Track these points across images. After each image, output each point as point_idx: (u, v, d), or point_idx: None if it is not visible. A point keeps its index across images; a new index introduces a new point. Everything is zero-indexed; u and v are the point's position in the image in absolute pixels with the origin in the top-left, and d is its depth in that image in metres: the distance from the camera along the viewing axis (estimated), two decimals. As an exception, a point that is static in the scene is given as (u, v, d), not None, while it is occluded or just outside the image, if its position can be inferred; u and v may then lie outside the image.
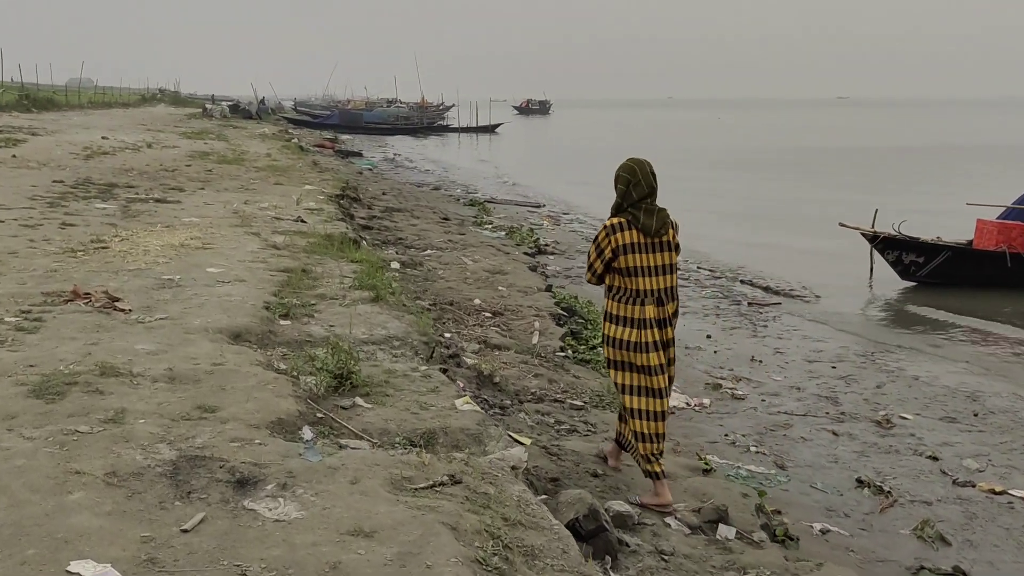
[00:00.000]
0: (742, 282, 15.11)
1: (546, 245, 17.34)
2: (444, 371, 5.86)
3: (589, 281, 5.18)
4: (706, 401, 8.66)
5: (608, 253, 4.97)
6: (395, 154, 45.56)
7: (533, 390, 6.79)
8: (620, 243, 4.92)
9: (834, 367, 10.16)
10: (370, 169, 32.96)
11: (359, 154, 41.41)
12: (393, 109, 78.25)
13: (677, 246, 5.10)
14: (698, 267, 16.27)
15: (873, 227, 15.04)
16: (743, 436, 7.84)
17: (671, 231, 5.04)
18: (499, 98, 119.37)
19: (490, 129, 73.87)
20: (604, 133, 78.50)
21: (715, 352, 10.67)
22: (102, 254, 8.17)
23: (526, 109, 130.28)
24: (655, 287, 4.99)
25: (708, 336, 11.42)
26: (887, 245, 14.50)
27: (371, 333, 6.24)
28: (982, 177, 33.81)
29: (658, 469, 5.13)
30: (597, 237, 5.06)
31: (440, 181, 31.48)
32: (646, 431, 5.08)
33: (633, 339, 4.99)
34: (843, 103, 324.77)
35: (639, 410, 5.09)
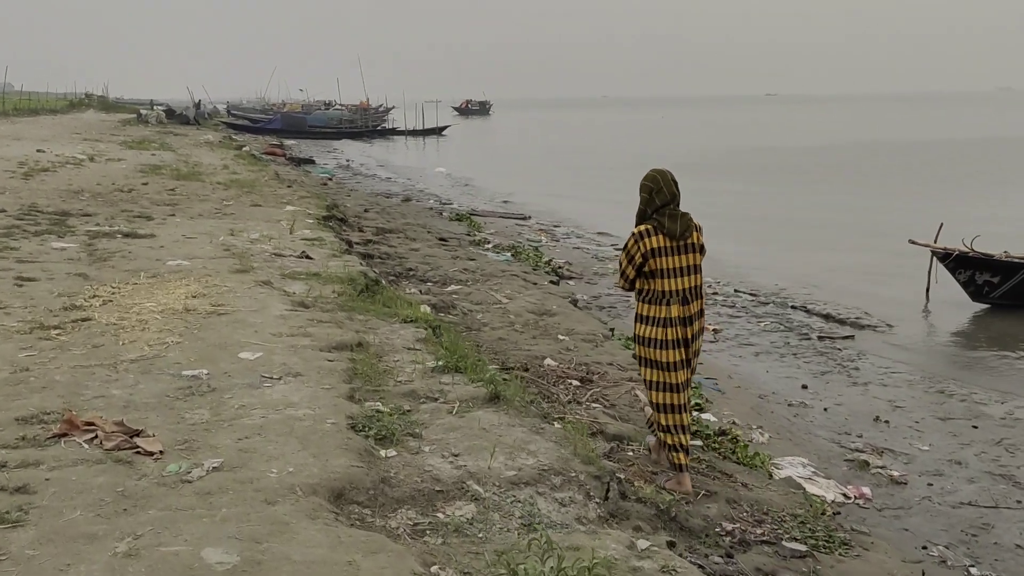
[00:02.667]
0: (793, 307, 13.37)
1: (560, 267, 15.43)
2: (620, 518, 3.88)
3: (621, 287, 5.52)
4: (866, 490, 6.82)
5: (639, 259, 5.27)
6: (348, 160, 43.20)
7: (721, 522, 4.85)
8: (648, 247, 5.23)
9: (975, 427, 8.45)
10: (329, 178, 30.66)
11: (311, 161, 39.03)
12: (335, 112, 75.52)
13: (702, 247, 5.41)
14: (736, 291, 14.51)
15: (936, 241, 13.41)
16: (945, 547, 6.03)
17: (695, 233, 5.35)
18: (433, 99, 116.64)
19: (437, 132, 71.71)
20: (554, 135, 76.85)
21: (825, 410, 8.89)
22: (84, 330, 5.99)
23: (466, 110, 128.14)
24: (680, 287, 5.31)
25: (804, 386, 9.63)
26: (959, 264, 12.87)
27: (514, 464, 4.25)
28: (982, 177, 32.78)
29: (682, 461, 5.35)
30: (627, 245, 5.35)
31: (407, 191, 29.33)
32: (670, 423, 5.38)
33: (658, 336, 5.29)
34: (772, 100, 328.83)
35: (663, 404, 5.39)
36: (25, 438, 4.05)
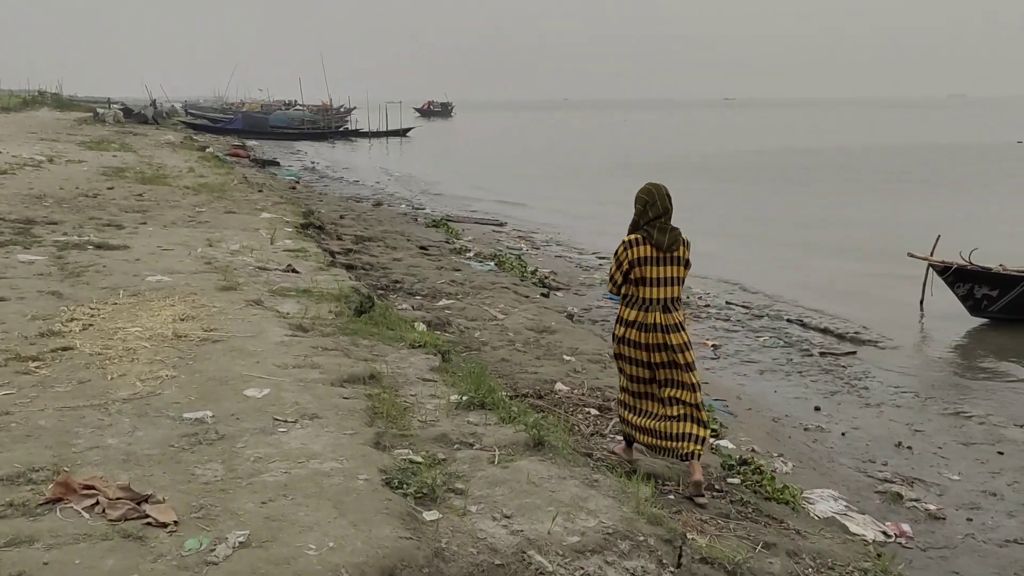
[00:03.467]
0: (789, 321, 13.01)
1: (546, 277, 14.96)
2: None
3: (610, 291, 5.76)
4: (907, 528, 6.42)
5: (626, 265, 5.52)
6: (313, 162, 42.36)
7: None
8: (636, 256, 5.49)
9: (1001, 452, 8.11)
10: (296, 181, 29.92)
11: (276, 163, 38.20)
12: (296, 112, 74.42)
13: (687, 262, 5.63)
14: (727, 303, 14.13)
15: (932, 253, 13.13)
16: (1004, 595, 5.64)
17: (682, 248, 5.57)
18: (395, 100, 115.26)
19: (401, 133, 70.92)
20: (519, 138, 76.51)
21: (843, 435, 8.51)
22: (66, 361, 5.37)
23: (428, 111, 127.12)
24: (662, 296, 5.52)
25: (817, 408, 9.26)
26: (958, 278, 12.59)
27: (575, 527, 3.74)
28: (953, 182, 32.82)
29: (627, 432, 5.82)
30: (617, 252, 5.59)
31: (377, 194, 28.68)
32: (628, 417, 5.79)
33: (641, 340, 5.54)
34: (730, 104, 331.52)
35: (631, 394, 5.75)
36: (13, 504, 3.45)
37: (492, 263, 15.50)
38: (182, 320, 6.48)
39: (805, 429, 8.64)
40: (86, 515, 3.37)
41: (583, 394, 7.48)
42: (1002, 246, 14.64)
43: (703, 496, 5.40)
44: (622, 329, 5.63)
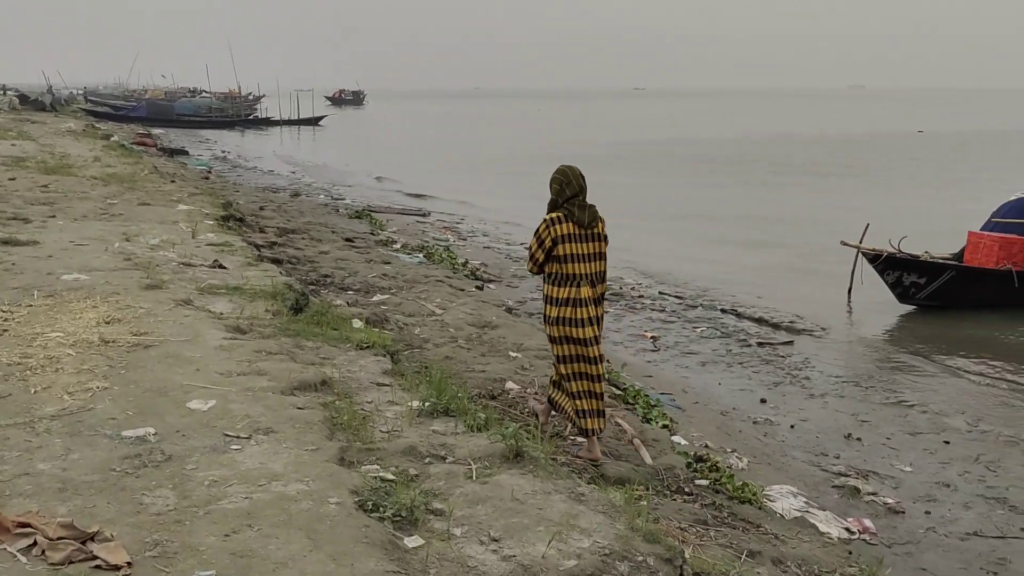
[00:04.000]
0: (723, 311, 12.96)
1: (477, 269, 14.64)
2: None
3: (531, 271, 5.90)
4: (869, 523, 6.31)
5: (548, 243, 5.68)
6: (224, 152, 41.11)
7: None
8: (559, 234, 5.65)
9: (947, 442, 8.12)
10: (208, 171, 28.92)
11: (184, 152, 36.89)
12: (203, 100, 72.28)
13: (605, 237, 5.85)
14: (660, 292, 14.03)
15: (861, 241, 13.26)
16: (971, 591, 5.56)
17: (600, 224, 5.81)
18: (307, 88, 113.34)
19: (314, 122, 69.57)
20: (434, 126, 75.83)
21: (792, 427, 8.42)
22: (-20, 371, 4.84)
23: (339, 100, 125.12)
24: (588, 271, 5.73)
25: (763, 400, 9.17)
26: (888, 265, 12.71)
27: (569, 548, 3.44)
28: (864, 171, 33.49)
29: (591, 426, 5.81)
30: (538, 230, 5.74)
31: (293, 184, 27.92)
32: (582, 390, 5.83)
33: (572, 316, 5.70)
34: (640, 94, 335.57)
35: (576, 374, 5.82)
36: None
37: (421, 255, 15.11)
38: (107, 323, 5.96)
39: (754, 422, 8.52)
40: (23, 559, 2.92)
41: (535, 393, 7.19)
42: (922, 233, 14.82)
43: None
44: (555, 309, 5.75)
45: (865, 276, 13.33)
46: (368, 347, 6.17)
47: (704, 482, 5.84)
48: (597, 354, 5.81)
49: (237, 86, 74.30)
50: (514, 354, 8.50)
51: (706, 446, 7.34)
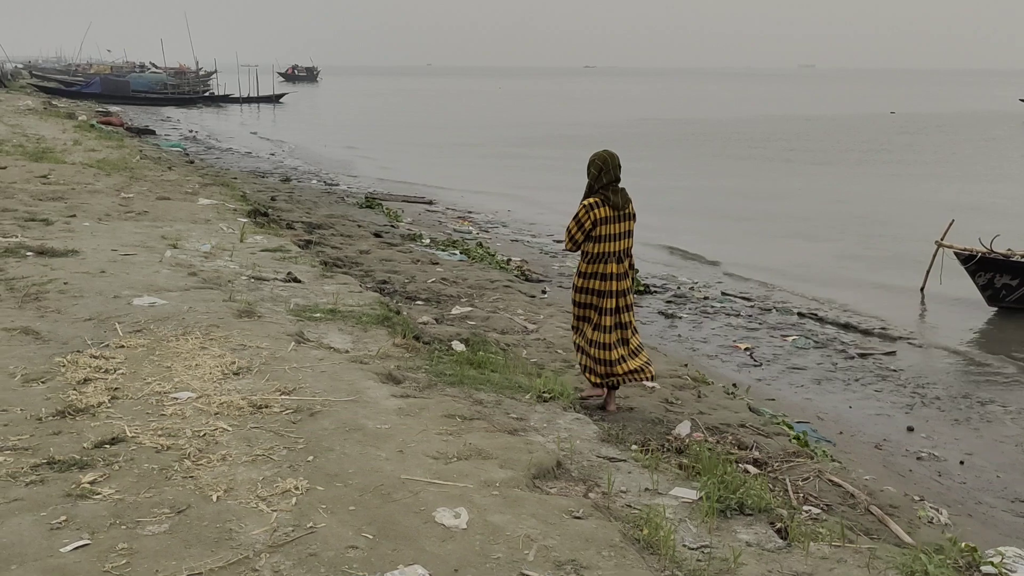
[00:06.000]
0: (801, 315, 11.96)
1: (519, 267, 13.47)
2: None
3: (568, 249, 6.40)
4: None
5: (588, 225, 6.19)
6: (191, 131, 39.15)
7: None
8: (597, 217, 6.17)
9: None
10: (185, 153, 27.30)
11: (152, 132, 35.00)
12: (157, 76, 69.66)
13: (634, 215, 6.38)
14: (724, 293, 12.98)
15: (944, 237, 12.38)
16: None
17: (630, 204, 6.34)
18: (252, 64, 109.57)
19: (275, 99, 67.44)
20: (398, 104, 74.01)
21: (961, 463, 7.42)
22: (126, 466, 3.59)
23: (293, 76, 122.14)
24: (617, 248, 6.28)
25: (910, 428, 8.13)
26: (981, 266, 11.81)
27: None
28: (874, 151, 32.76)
29: (595, 380, 6.38)
30: (578, 214, 6.21)
31: (278, 168, 26.46)
32: (592, 353, 6.34)
33: (600, 288, 6.30)
34: (591, 72, 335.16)
35: (596, 341, 6.32)
36: None
37: (457, 251, 13.90)
38: (236, 374, 4.73)
39: (918, 458, 7.50)
40: None
41: (719, 441, 6.07)
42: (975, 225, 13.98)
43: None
44: (581, 280, 6.37)
45: (944, 275, 12.45)
46: (550, 397, 4.99)
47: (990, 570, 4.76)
48: (609, 323, 6.30)
49: (195, 61, 71.70)
50: (649, 384, 7.37)
51: (907, 495, 6.28)
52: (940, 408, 8.77)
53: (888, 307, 12.43)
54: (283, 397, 4.42)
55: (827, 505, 5.08)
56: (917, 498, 6.55)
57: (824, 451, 7.02)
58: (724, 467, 4.10)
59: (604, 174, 6.20)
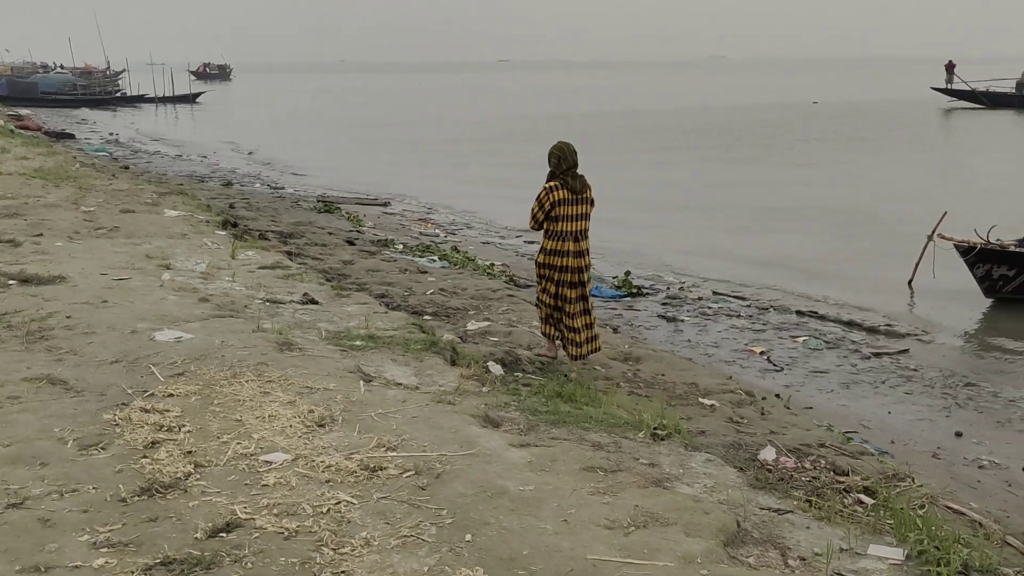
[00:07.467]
0: (800, 314, 11.67)
1: (503, 273, 12.90)
2: None
3: (532, 228, 7.30)
4: None
5: (547, 206, 7.01)
6: (112, 134, 37.41)
7: None
8: (556, 199, 6.98)
9: None
10: (112, 157, 25.98)
11: (71, 136, 33.32)
12: (64, 76, 66.74)
13: (592, 200, 7.21)
14: (715, 292, 12.63)
15: (936, 229, 12.23)
16: None
17: (588, 191, 7.15)
18: (162, 62, 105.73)
19: (191, 99, 65.29)
20: (318, 101, 72.43)
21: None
22: (255, 560, 2.94)
23: (204, 74, 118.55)
24: (575, 228, 7.08)
25: (959, 434, 7.84)
26: (980, 258, 11.69)
27: None
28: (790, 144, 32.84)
29: (548, 331, 7.48)
30: (539, 196, 7.05)
31: (215, 171, 25.41)
32: (551, 316, 7.36)
33: (562, 263, 7.11)
34: (506, 66, 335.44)
35: (554, 306, 7.27)
36: None
37: (436, 257, 13.27)
38: (320, 426, 4.09)
39: (980, 467, 7.21)
40: None
41: (804, 467, 5.61)
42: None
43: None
44: (543, 256, 7.22)
45: (930, 267, 12.30)
46: (666, 435, 4.47)
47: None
48: (574, 296, 7.18)
49: (105, 60, 69.01)
50: (706, 400, 6.90)
51: (996, 515, 5.92)
52: (977, 410, 8.52)
53: (881, 302, 12.26)
54: (391, 455, 3.79)
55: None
56: (1005, 515, 6.22)
57: (880, 459, 6.67)
58: (924, 515, 3.61)
59: (563, 161, 7.01)
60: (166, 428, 4.00)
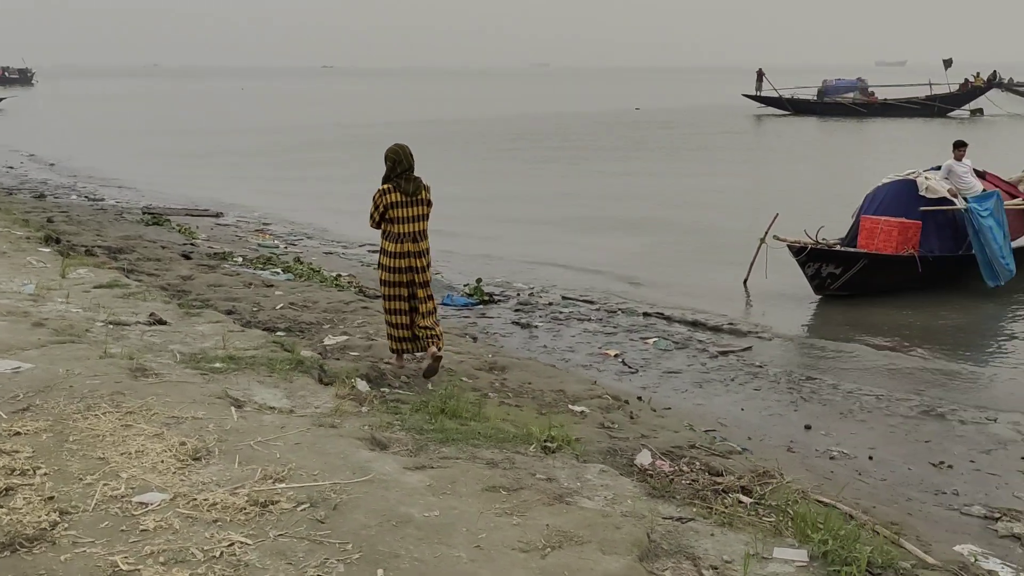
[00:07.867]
0: (647, 315, 11.96)
1: (351, 283, 12.60)
2: None
3: (372, 226, 7.27)
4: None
5: (381, 207, 7.07)
6: None
7: None
8: (389, 201, 7.04)
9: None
10: None
11: None
12: None
13: (429, 202, 7.24)
14: (564, 297, 12.78)
15: (769, 231, 12.82)
16: None
17: (423, 192, 7.18)
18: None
19: (-9, 105, 60.89)
20: (139, 108, 69.04)
21: (870, 459, 7.52)
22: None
23: (3, 79, 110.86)
24: (411, 230, 7.10)
25: (808, 427, 8.19)
26: (811, 258, 12.31)
27: None
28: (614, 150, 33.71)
29: (395, 348, 7.40)
30: (374, 197, 7.11)
31: (23, 182, 23.71)
32: (392, 333, 7.35)
33: (395, 265, 7.14)
34: (330, 72, 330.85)
35: (390, 310, 7.30)
36: None
37: (280, 270, 12.80)
38: (195, 459, 3.78)
39: (830, 458, 7.53)
40: None
41: (681, 469, 5.67)
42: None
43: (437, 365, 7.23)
44: (384, 258, 7.19)
45: (767, 268, 12.86)
46: (556, 448, 4.40)
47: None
48: (408, 292, 7.17)
49: None
50: (575, 407, 6.90)
51: (867, 508, 6.15)
52: (821, 402, 8.92)
53: (718, 302, 12.70)
54: (281, 486, 3.53)
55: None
56: (870, 506, 6.49)
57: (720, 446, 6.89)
58: (825, 513, 3.66)
59: (398, 164, 7.04)
60: (19, 472, 3.58)
